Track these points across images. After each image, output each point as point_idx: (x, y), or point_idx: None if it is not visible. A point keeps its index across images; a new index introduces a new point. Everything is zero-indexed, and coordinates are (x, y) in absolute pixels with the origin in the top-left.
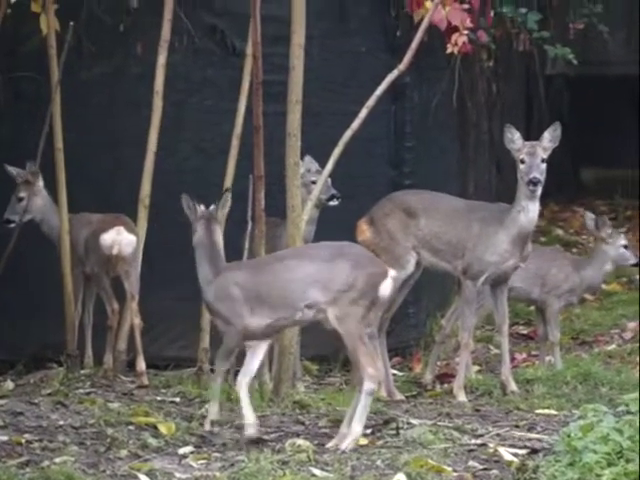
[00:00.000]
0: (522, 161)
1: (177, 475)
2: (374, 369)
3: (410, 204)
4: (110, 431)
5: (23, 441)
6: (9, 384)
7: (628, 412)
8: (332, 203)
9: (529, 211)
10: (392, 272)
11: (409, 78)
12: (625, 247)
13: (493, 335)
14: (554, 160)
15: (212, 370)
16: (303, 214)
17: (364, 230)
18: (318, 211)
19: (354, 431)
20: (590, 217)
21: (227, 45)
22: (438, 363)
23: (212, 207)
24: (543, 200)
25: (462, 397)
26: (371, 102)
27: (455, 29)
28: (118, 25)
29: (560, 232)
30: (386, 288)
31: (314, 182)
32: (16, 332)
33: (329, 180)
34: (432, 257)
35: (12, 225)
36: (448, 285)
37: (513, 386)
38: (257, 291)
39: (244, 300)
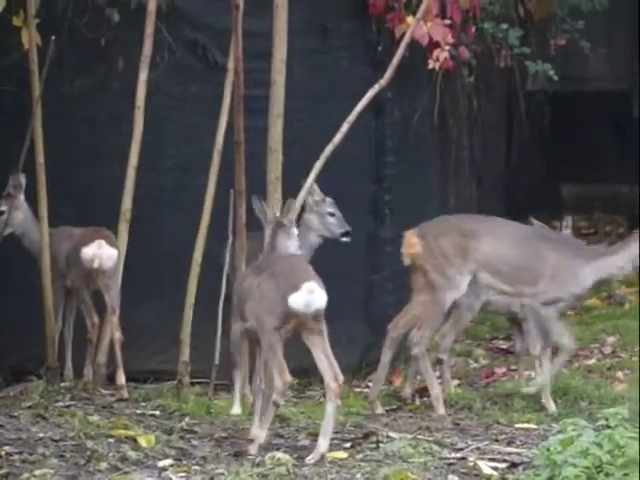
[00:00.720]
0: None
1: None
2: (280, 382)
3: (468, 227)
4: (90, 444)
5: (3, 453)
6: None
7: (607, 426)
8: (345, 239)
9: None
10: (309, 285)
11: (390, 93)
12: None
13: (472, 349)
14: (534, 176)
15: (192, 383)
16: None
17: (414, 244)
18: (320, 241)
19: (253, 433)
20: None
21: (209, 60)
22: (418, 377)
23: (277, 213)
24: (523, 216)
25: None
26: (352, 117)
27: (436, 45)
28: (99, 40)
29: None
30: (296, 300)
31: (331, 214)
32: None
33: (341, 214)
34: (492, 278)
35: None
36: None
37: (552, 407)
38: (237, 299)
39: (236, 306)
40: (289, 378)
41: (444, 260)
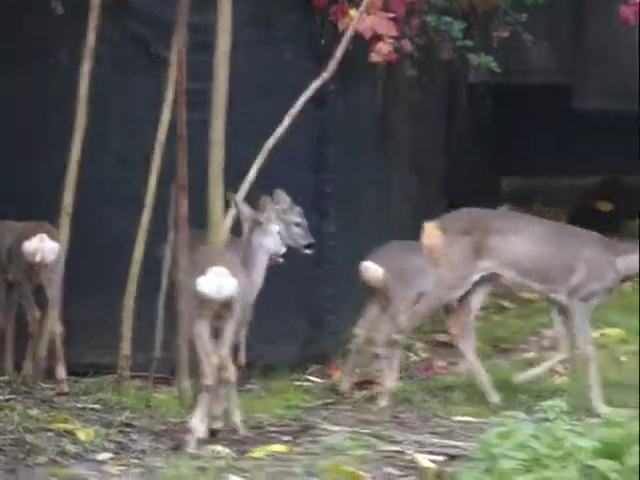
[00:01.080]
0: None
1: None
2: (207, 366)
3: (493, 225)
4: (29, 438)
5: None
6: None
7: (546, 419)
8: (307, 252)
9: None
10: (217, 269)
11: (333, 86)
12: None
13: (412, 343)
14: (475, 169)
15: (132, 377)
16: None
17: (436, 235)
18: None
19: (192, 426)
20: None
21: (152, 53)
22: (357, 371)
23: (253, 211)
24: (459, 208)
25: None
26: (294, 110)
27: (380, 38)
28: (43, 32)
29: None
30: (203, 284)
31: (297, 224)
32: None
33: (307, 224)
34: (521, 278)
35: None
36: (365, 293)
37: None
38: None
39: None
40: (216, 361)
41: (461, 258)
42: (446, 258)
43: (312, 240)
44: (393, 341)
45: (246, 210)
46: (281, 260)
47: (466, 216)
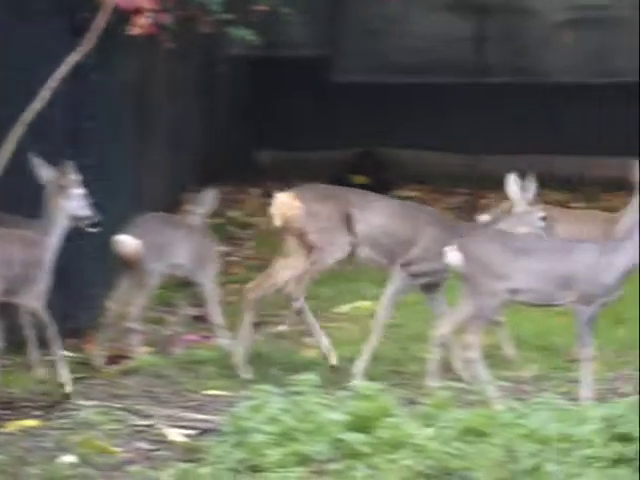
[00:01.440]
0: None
1: None
2: None
3: (350, 198)
4: None
5: None
6: None
7: (296, 393)
8: (92, 230)
9: None
10: None
11: (92, 59)
12: None
13: (164, 316)
14: (234, 142)
15: None
16: None
17: (295, 206)
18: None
19: None
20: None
21: None
22: (107, 344)
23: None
24: (217, 181)
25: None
26: (52, 83)
27: (139, 11)
28: None
29: (236, 214)
30: None
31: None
32: None
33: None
34: (372, 252)
35: None
36: (117, 268)
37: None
38: None
39: None
40: None
41: (329, 224)
42: (316, 225)
43: (99, 218)
44: (296, 311)
45: (48, 173)
46: (95, 230)
47: (321, 188)
